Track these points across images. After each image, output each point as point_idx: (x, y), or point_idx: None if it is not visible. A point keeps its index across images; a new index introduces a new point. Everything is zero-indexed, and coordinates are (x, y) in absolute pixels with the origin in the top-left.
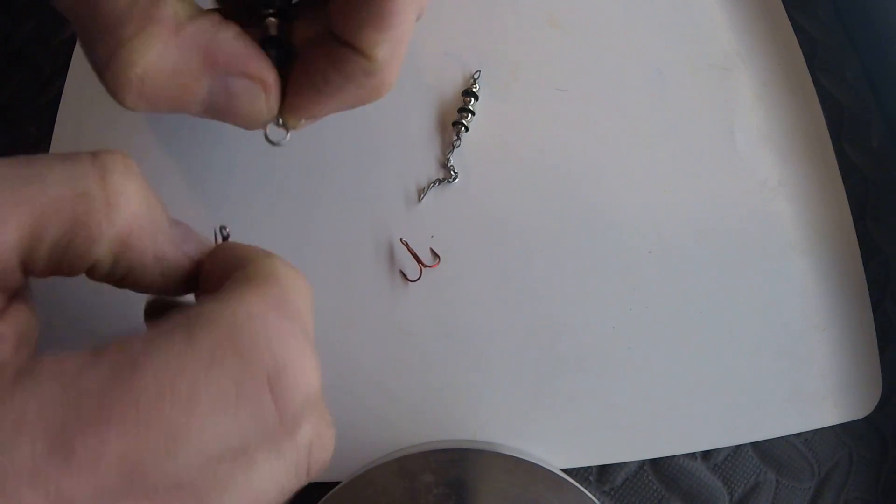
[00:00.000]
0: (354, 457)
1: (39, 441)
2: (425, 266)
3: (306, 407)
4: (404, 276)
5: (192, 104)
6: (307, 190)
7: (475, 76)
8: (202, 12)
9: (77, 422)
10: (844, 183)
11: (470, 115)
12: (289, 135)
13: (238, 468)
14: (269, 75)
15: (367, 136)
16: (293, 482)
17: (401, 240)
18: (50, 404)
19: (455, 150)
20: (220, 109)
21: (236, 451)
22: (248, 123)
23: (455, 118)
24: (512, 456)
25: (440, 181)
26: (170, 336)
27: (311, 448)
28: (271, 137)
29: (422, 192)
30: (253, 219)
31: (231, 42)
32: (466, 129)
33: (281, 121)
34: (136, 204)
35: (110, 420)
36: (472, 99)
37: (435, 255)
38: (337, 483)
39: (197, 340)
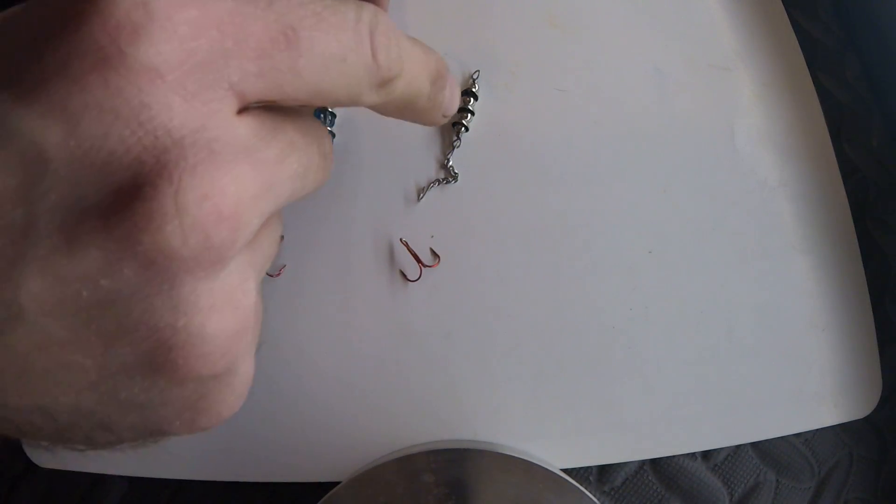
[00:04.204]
0: (354, 456)
1: None
2: (425, 266)
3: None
4: (404, 276)
5: None
6: None
7: (474, 76)
8: None
9: None
10: (844, 183)
11: (470, 115)
12: None
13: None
14: None
15: (368, 136)
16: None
17: (401, 240)
18: None
19: (455, 150)
20: None
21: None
22: None
23: (455, 118)
24: (512, 456)
25: (440, 181)
26: None
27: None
28: None
29: (422, 192)
30: None
31: None
32: (466, 129)
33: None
34: None
35: None
36: (472, 99)
37: (435, 255)
38: (337, 483)
39: None
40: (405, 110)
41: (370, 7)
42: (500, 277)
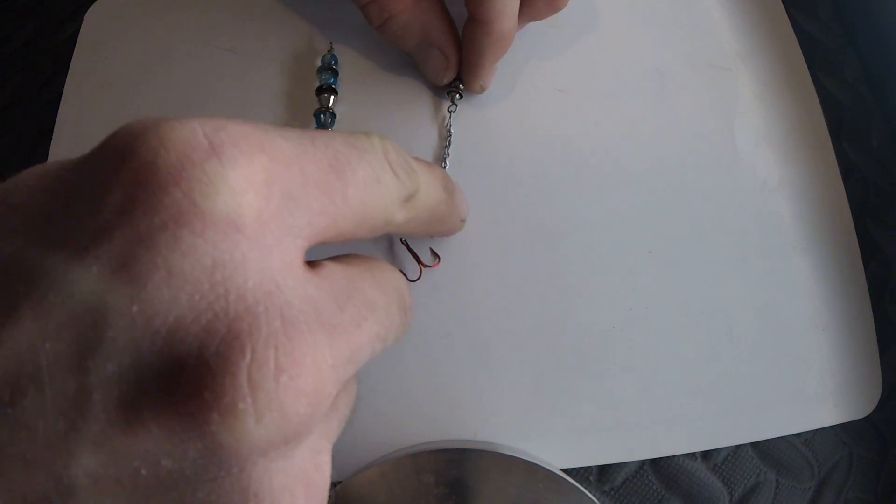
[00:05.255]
0: (354, 457)
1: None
2: (425, 266)
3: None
4: (404, 276)
5: (405, 48)
6: None
7: None
8: None
9: None
10: (844, 183)
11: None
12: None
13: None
14: (454, 54)
15: None
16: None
17: (401, 240)
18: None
19: (450, 146)
20: (417, 62)
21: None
22: (431, 79)
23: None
24: (512, 456)
25: None
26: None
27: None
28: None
29: None
30: None
31: (439, 22)
32: (451, 111)
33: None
34: None
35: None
36: None
37: (435, 255)
38: (337, 483)
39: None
40: (431, 221)
41: (372, 132)
42: (500, 277)
